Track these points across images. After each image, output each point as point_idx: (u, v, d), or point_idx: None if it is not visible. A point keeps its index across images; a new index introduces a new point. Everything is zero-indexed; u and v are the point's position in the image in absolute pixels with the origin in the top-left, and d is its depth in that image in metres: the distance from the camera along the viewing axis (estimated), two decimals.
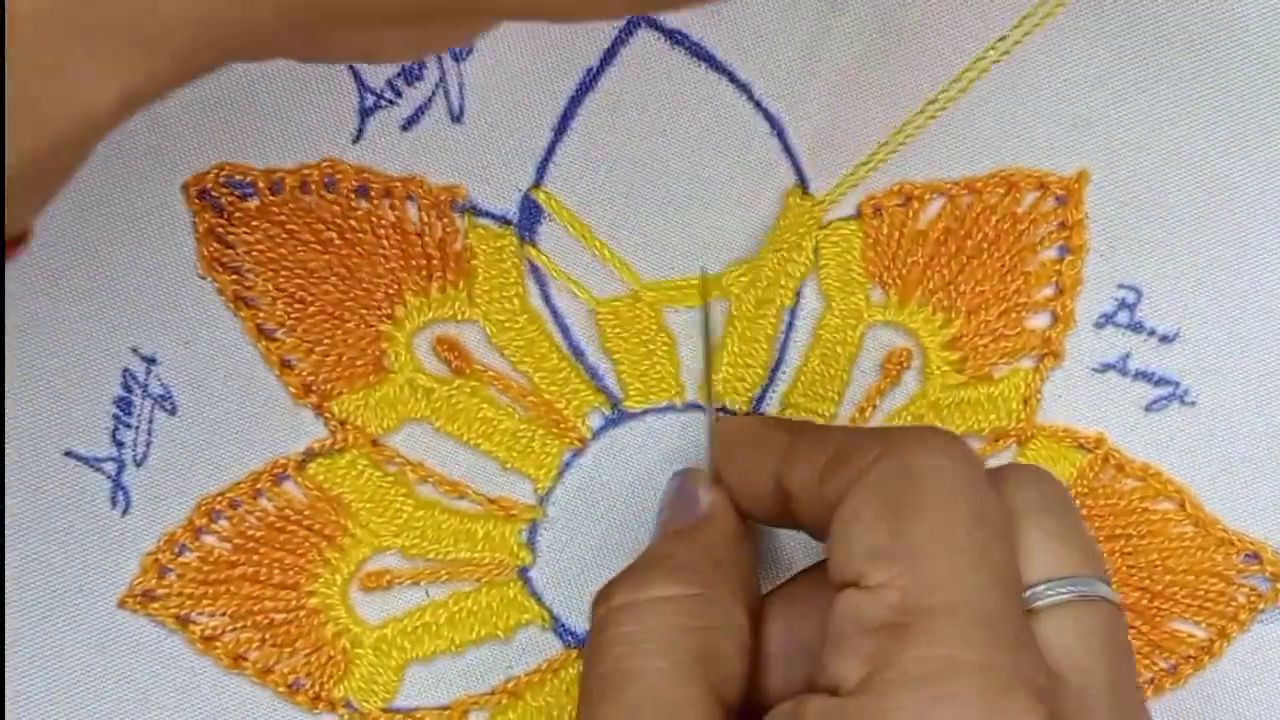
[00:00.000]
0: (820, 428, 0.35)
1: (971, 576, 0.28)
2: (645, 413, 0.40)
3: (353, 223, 0.38)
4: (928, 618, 0.28)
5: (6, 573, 0.38)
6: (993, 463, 0.39)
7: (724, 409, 0.39)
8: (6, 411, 0.38)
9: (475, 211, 0.39)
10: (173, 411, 0.39)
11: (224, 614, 0.39)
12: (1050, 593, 0.30)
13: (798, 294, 0.39)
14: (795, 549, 0.39)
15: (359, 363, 0.39)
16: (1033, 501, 0.31)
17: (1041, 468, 0.33)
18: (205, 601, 0.39)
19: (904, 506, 0.29)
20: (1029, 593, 0.30)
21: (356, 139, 0.38)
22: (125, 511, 0.39)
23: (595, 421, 0.40)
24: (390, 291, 0.39)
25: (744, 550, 0.35)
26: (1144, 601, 0.39)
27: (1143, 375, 0.39)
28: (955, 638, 0.27)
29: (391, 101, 0.38)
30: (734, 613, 0.33)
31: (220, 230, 0.38)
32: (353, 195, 0.38)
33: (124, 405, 0.39)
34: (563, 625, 0.40)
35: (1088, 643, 0.30)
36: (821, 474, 0.32)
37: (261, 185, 0.38)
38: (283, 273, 0.38)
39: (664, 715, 0.30)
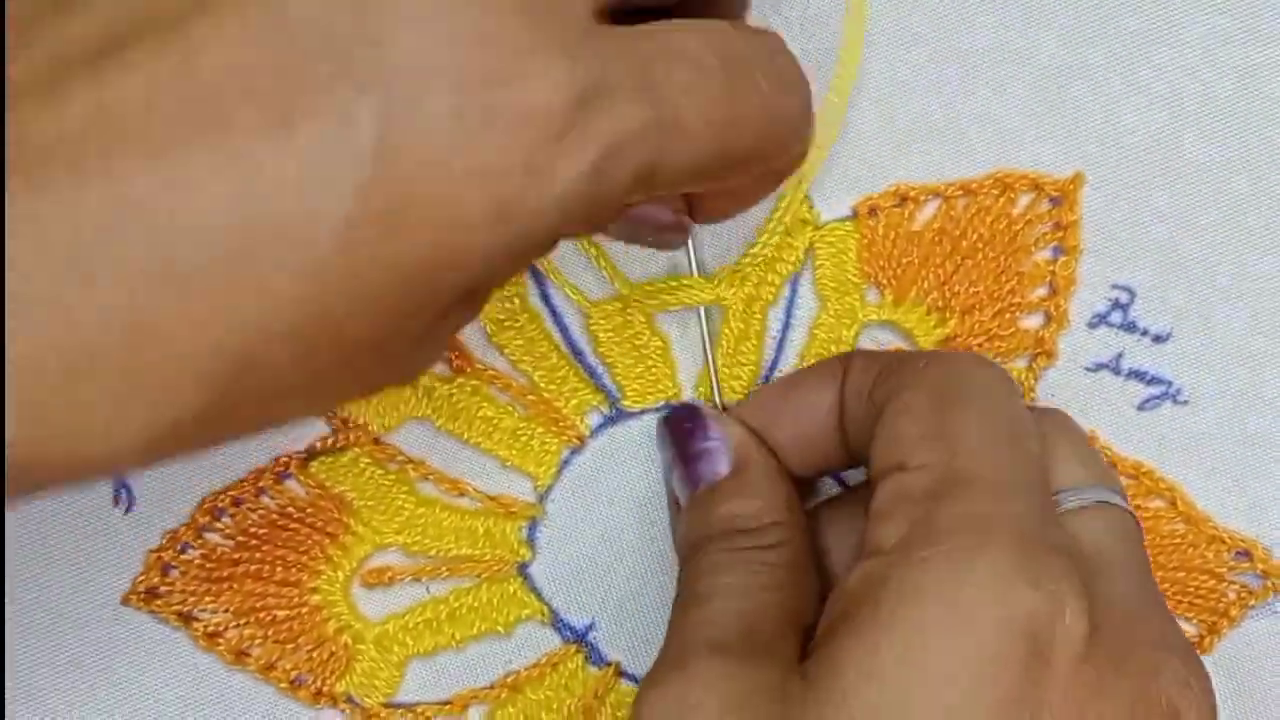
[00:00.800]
0: (872, 351, 0.37)
1: (1010, 455, 0.30)
2: (643, 412, 0.40)
3: None
4: (966, 483, 0.29)
5: (8, 570, 0.39)
6: None
7: (725, 408, 0.40)
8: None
9: None
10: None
11: (227, 611, 0.39)
12: (1075, 497, 0.32)
13: (792, 292, 0.39)
14: None
15: None
16: (1059, 428, 0.33)
17: (1063, 411, 0.35)
18: (208, 598, 0.39)
19: (950, 400, 0.31)
20: (1056, 496, 0.32)
21: None
22: (128, 509, 0.39)
23: (594, 420, 0.40)
24: None
25: (796, 496, 0.36)
26: None
27: (1135, 374, 0.39)
28: (993, 498, 0.29)
29: None
30: (804, 546, 0.35)
31: None
32: None
33: None
34: (562, 620, 0.40)
35: (1112, 536, 0.31)
36: (875, 382, 0.34)
37: None
38: None
39: (750, 631, 0.32)
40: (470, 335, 0.40)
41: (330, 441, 0.39)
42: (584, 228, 0.28)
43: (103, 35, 0.23)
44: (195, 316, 0.23)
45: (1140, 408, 0.39)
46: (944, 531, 0.29)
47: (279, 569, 0.39)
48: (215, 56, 0.23)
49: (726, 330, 0.39)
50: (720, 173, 0.29)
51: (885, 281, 0.39)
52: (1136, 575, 0.31)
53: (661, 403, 0.40)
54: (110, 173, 0.22)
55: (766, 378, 0.40)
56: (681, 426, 0.37)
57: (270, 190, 0.23)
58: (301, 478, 0.39)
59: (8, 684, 0.39)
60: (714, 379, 0.39)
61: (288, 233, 0.23)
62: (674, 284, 0.39)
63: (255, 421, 0.26)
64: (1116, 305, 0.39)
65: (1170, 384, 0.39)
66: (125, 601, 0.39)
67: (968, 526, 0.29)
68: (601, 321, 0.39)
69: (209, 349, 0.23)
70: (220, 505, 0.39)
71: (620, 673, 0.40)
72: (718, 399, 0.39)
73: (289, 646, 0.39)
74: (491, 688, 0.40)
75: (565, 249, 0.39)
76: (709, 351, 0.39)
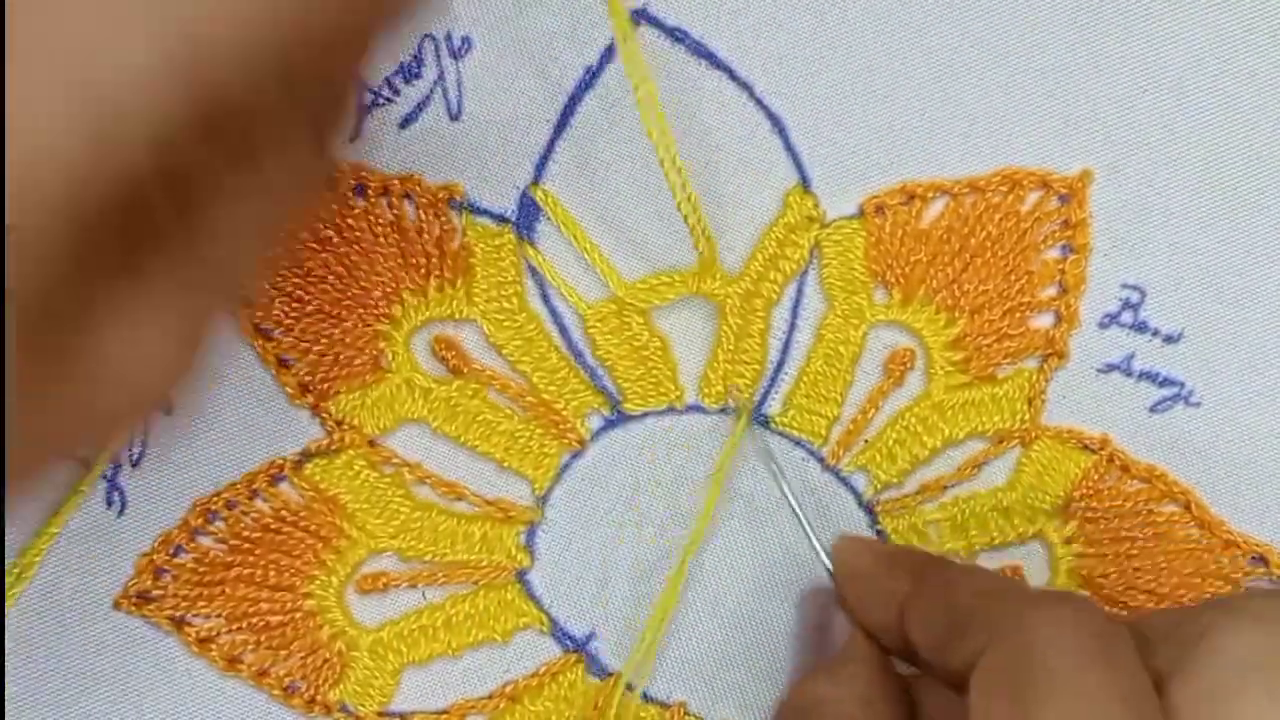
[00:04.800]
0: (941, 578, 0.33)
1: None
2: (645, 415, 0.39)
3: (350, 221, 0.38)
4: None
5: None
6: (995, 464, 0.39)
7: (726, 409, 0.39)
8: None
9: (473, 209, 0.38)
10: (168, 411, 0.39)
11: (219, 616, 0.39)
12: None
13: (798, 292, 0.39)
14: None
15: (356, 362, 0.39)
16: (1215, 673, 0.27)
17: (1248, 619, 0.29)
18: (201, 603, 0.39)
19: (1031, 692, 0.27)
20: None
21: (354, 137, 0.38)
22: (121, 512, 0.39)
23: (594, 423, 0.39)
24: (388, 290, 0.38)
25: (892, 684, 0.34)
26: (1150, 605, 0.39)
27: (1147, 376, 0.39)
28: None
29: (389, 99, 0.38)
30: None
31: None
32: (350, 193, 0.38)
33: None
34: (561, 629, 0.39)
35: None
36: (945, 639, 0.30)
37: None
38: (280, 271, 0.38)
39: None
40: (469, 336, 0.39)
41: (325, 444, 0.39)
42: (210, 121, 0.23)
43: None
44: None
45: (1153, 410, 0.39)
46: None
47: (272, 573, 0.39)
48: None
49: (725, 328, 0.39)
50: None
51: (893, 280, 0.39)
52: None
53: (665, 405, 0.39)
54: None
55: (772, 379, 0.39)
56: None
57: None
58: (296, 480, 0.39)
59: None
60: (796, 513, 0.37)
61: None
62: (667, 279, 0.38)
63: None
64: (1127, 305, 0.39)
65: (1182, 385, 0.39)
66: (117, 606, 0.39)
67: None
68: (598, 324, 0.39)
69: None
70: (213, 508, 0.39)
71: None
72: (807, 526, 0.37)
73: (282, 653, 0.39)
74: (489, 698, 0.39)
75: (569, 243, 0.39)
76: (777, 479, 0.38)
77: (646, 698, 0.40)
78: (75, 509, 0.38)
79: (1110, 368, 0.39)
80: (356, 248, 0.38)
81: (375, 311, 0.38)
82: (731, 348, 0.39)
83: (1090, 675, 0.27)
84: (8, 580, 0.38)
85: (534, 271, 0.39)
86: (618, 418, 0.39)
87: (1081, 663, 0.27)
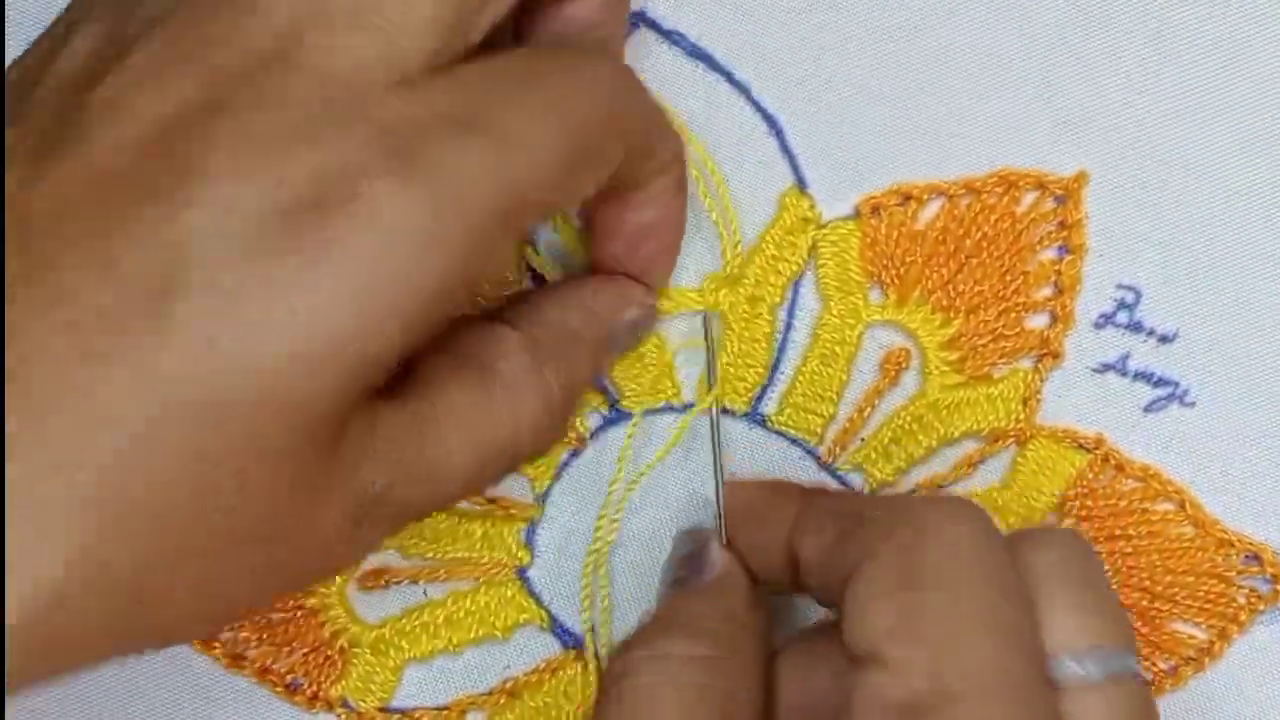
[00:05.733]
0: (829, 496, 0.34)
1: (994, 653, 0.28)
2: (644, 412, 0.40)
3: None
4: (951, 702, 0.27)
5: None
6: (990, 463, 0.39)
7: (725, 410, 0.39)
8: None
9: None
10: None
11: None
12: (1075, 667, 0.29)
13: (794, 292, 0.39)
14: (805, 607, 0.39)
15: None
16: (1055, 568, 0.30)
17: (1065, 531, 0.33)
18: None
19: (919, 580, 0.29)
20: (1052, 663, 0.29)
21: None
22: None
23: (593, 421, 0.40)
24: None
25: (759, 610, 0.35)
26: (1144, 602, 0.39)
27: (1142, 376, 0.39)
28: (979, 715, 0.27)
29: None
30: (750, 674, 0.33)
31: None
32: None
33: None
34: (561, 625, 0.40)
35: None
36: (832, 547, 0.31)
37: None
38: None
39: None
40: None
41: None
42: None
43: None
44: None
45: (1147, 409, 0.39)
46: None
47: None
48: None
49: (729, 334, 0.39)
50: (581, 178, 0.31)
51: (888, 280, 0.39)
52: None
53: (662, 403, 0.39)
54: None
55: (769, 379, 0.39)
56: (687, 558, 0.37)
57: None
58: None
59: None
60: (716, 438, 0.38)
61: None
62: (679, 292, 0.39)
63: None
64: (1122, 305, 0.39)
65: (1177, 385, 0.39)
66: None
67: None
68: None
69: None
70: None
71: None
72: (718, 462, 0.38)
73: (284, 650, 0.39)
74: (489, 693, 0.40)
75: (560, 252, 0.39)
76: (711, 364, 0.39)
77: None
78: None
79: (1105, 367, 0.39)
80: None
81: None
82: (735, 351, 0.39)
83: (977, 568, 0.29)
84: None
85: (534, 274, 0.39)
86: (615, 416, 0.40)
87: (974, 555, 0.29)
